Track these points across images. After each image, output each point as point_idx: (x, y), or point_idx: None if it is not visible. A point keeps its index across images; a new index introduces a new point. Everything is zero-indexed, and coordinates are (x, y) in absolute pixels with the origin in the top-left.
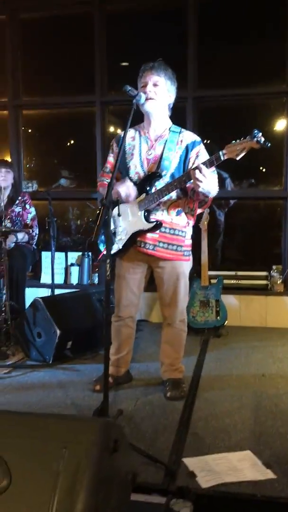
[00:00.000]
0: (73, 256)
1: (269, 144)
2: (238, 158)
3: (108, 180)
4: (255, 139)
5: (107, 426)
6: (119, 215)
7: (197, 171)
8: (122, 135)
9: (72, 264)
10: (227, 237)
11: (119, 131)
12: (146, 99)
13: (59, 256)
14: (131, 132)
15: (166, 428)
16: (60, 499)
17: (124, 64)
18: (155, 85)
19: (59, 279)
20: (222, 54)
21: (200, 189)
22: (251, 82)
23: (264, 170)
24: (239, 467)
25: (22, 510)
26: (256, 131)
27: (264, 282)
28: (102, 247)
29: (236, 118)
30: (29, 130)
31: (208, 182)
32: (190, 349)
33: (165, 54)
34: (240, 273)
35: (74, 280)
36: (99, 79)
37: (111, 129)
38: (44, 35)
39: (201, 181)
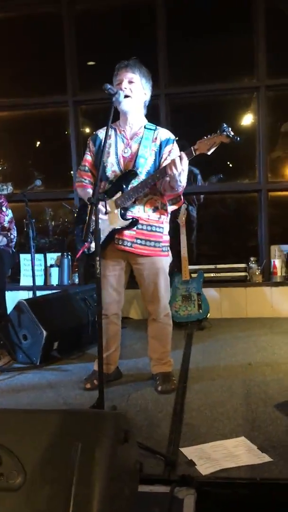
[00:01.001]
0: (52, 257)
1: (239, 138)
2: (209, 153)
3: (87, 180)
4: (224, 133)
5: (117, 418)
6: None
7: (177, 158)
8: (98, 134)
9: (51, 265)
10: (205, 231)
11: (88, 130)
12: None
13: (38, 257)
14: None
15: (161, 421)
16: (76, 492)
17: (92, 63)
18: (130, 82)
19: (39, 280)
20: (192, 51)
21: (172, 174)
22: (222, 77)
23: (231, 165)
24: (236, 453)
25: (39, 506)
26: (224, 126)
27: (243, 273)
28: (79, 246)
29: (208, 114)
30: (0, 132)
31: (182, 172)
32: (175, 343)
33: (136, 52)
34: (219, 266)
35: (54, 281)
36: (70, 78)
37: (85, 129)
38: (13, 36)
39: (176, 169)
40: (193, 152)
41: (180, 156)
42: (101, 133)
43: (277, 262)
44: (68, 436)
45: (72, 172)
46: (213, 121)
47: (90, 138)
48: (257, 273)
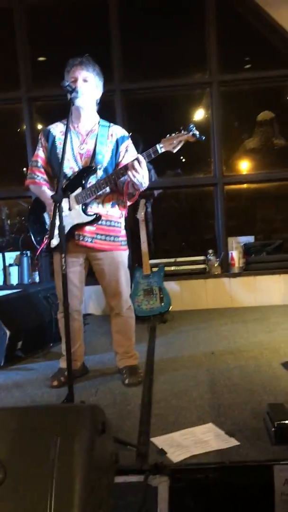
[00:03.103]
0: (11, 256)
1: (204, 138)
2: (174, 151)
3: (40, 176)
4: (191, 132)
5: (94, 410)
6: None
7: (136, 162)
8: (50, 129)
9: (10, 265)
10: (164, 226)
11: (41, 127)
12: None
13: None
14: (59, 127)
15: (130, 413)
16: (57, 485)
17: (43, 59)
18: (85, 80)
19: None
20: (146, 46)
21: (135, 180)
22: (175, 73)
23: (188, 160)
24: (204, 439)
25: (21, 502)
26: (191, 125)
27: (202, 266)
28: (37, 244)
29: (162, 109)
30: None
31: (144, 174)
32: (139, 336)
33: (90, 47)
34: (179, 259)
35: (14, 280)
36: (23, 74)
37: (38, 125)
38: None
39: (138, 173)
40: (159, 150)
41: (138, 160)
42: (53, 128)
43: (234, 254)
44: (46, 431)
45: (25, 169)
46: (169, 117)
47: (42, 133)
48: (215, 265)
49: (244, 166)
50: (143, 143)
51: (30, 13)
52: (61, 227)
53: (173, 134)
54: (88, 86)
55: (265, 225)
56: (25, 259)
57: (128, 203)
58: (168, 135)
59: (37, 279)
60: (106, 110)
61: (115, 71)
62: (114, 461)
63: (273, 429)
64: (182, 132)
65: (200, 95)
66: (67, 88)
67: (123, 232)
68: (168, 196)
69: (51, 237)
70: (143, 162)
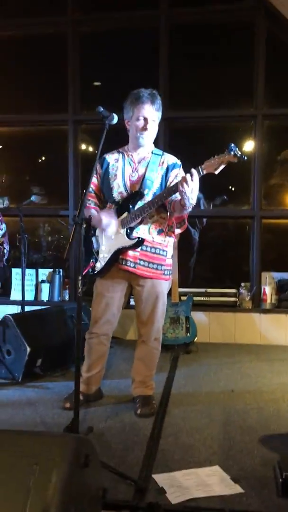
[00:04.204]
0: (44, 272)
1: (246, 158)
2: (216, 172)
3: (91, 200)
4: (232, 152)
5: (78, 442)
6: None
7: (188, 175)
8: (106, 157)
9: (43, 281)
10: (198, 254)
11: (91, 148)
12: (142, 133)
13: (30, 272)
14: (114, 155)
15: (136, 445)
16: None
17: (96, 83)
18: (153, 121)
19: (30, 295)
20: (193, 76)
21: (184, 193)
22: (221, 105)
23: (233, 189)
24: (208, 482)
25: None
26: (232, 145)
27: (233, 299)
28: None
29: (205, 140)
30: (0, 147)
31: (194, 189)
32: (160, 365)
33: (137, 74)
34: (210, 290)
35: (44, 296)
36: (72, 98)
37: (83, 146)
38: (18, 54)
39: (188, 186)
40: (201, 172)
41: (191, 173)
42: (109, 156)
43: (267, 289)
44: (26, 458)
45: (68, 189)
46: (212, 146)
47: (98, 161)
48: (247, 299)
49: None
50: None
51: (83, 39)
52: (80, 250)
53: (215, 156)
54: (155, 126)
55: None
56: (57, 277)
57: (178, 231)
58: (211, 158)
59: (67, 298)
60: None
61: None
62: (100, 497)
63: (280, 480)
64: (224, 153)
65: (245, 128)
66: (102, 114)
67: (169, 261)
68: (209, 226)
69: (67, 257)
70: (195, 175)
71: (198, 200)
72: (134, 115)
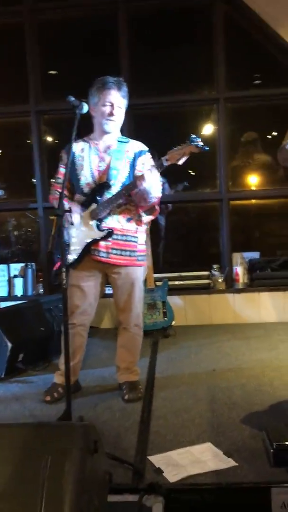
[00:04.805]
0: (16, 267)
1: (207, 148)
2: (180, 163)
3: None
4: (193, 143)
5: (87, 429)
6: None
7: (145, 172)
8: (71, 146)
9: (15, 276)
10: (168, 240)
11: (51, 139)
12: (108, 118)
13: (2, 268)
14: (80, 144)
15: (128, 430)
16: (46, 506)
17: (54, 72)
18: (119, 107)
19: (2, 291)
20: (154, 62)
21: (142, 188)
22: (183, 89)
23: (196, 173)
24: (202, 459)
25: None
26: (193, 136)
27: (206, 281)
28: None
29: (170, 125)
30: None
31: (152, 184)
32: (141, 351)
33: (98, 61)
34: (183, 274)
35: (18, 291)
36: (33, 88)
37: (47, 138)
38: None
39: (145, 181)
40: (164, 163)
41: (148, 171)
42: (74, 145)
43: (239, 269)
44: (37, 450)
45: (34, 181)
46: (177, 132)
47: (63, 150)
48: (220, 281)
49: (251, 181)
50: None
51: (41, 28)
52: (61, 242)
53: (178, 147)
54: (122, 112)
55: (270, 241)
56: (29, 271)
57: (148, 218)
58: (173, 148)
59: (41, 291)
60: None
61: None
62: (107, 481)
63: (271, 450)
64: (186, 143)
65: (208, 111)
66: (73, 104)
67: (141, 247)
68: (176, 210)
69: (51, 250)
70: (154, 171)
71: (162, 184)
72: (100, 101)
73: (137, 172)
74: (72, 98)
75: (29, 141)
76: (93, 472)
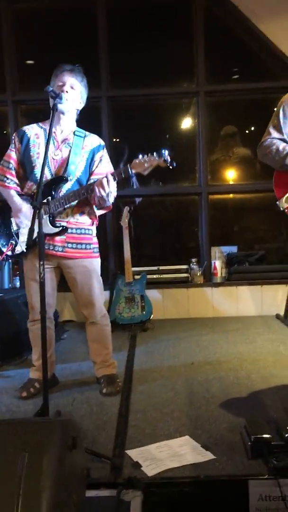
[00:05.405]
0: None
1: (175, 165)
2: (145, 173)
3: (10, 179)
4: (163, 158)
5: (65, 424)
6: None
7: (104, 180)
8: (25, 130)
9: None
10: (147, 233)
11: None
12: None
13: None
14: (34, 129)
15: (106, 424)
16: (24, 504)
17: (31, 62)
18: (72, 87)
19: None
20: (134, 54)
21: (100, 196)
22: (163, 82)
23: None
24: (180, 452)
25: None
26: (163, 150)
27: (184, 275)
28: (3, 248)
29: (149, 118)
30: None
31: (110, 192)
32: (119, 344)
33: (76, 53)
34: (162, 267)
35: None
36: (9, 78)
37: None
38: None
39: (104, 190)
40: (129, 171)
41: (106, 177)
42: (28, 130)
43: (217, 263)
44: (14, 446)
45: None
46: (156, 125)
47: (16, 134)
48: (198, 274)
49: (230, 176)
50: (128, 149)
51: (17, 17)
52: (40, 234)
53: (145, 157)
54: (74, 93)
55: (248, 235)
56: (5, 264)
57: (100, 212)
58: (140, 156)
59: (17, 284)
60: (92, 117)
61: (102, 77)
62: (85, 476)
63: (249, 443)
64: (154, 156)
65: (188, 105)
66: (51, 94)
67: (95, 239)
68: (154, 204)
69: (28, 243)
70: (111, 181)
71: (131, 177)
72: (55, 84)
73: (96, 168)
74: (51, 88)
75: (5, 132)
76: (71, 468)
